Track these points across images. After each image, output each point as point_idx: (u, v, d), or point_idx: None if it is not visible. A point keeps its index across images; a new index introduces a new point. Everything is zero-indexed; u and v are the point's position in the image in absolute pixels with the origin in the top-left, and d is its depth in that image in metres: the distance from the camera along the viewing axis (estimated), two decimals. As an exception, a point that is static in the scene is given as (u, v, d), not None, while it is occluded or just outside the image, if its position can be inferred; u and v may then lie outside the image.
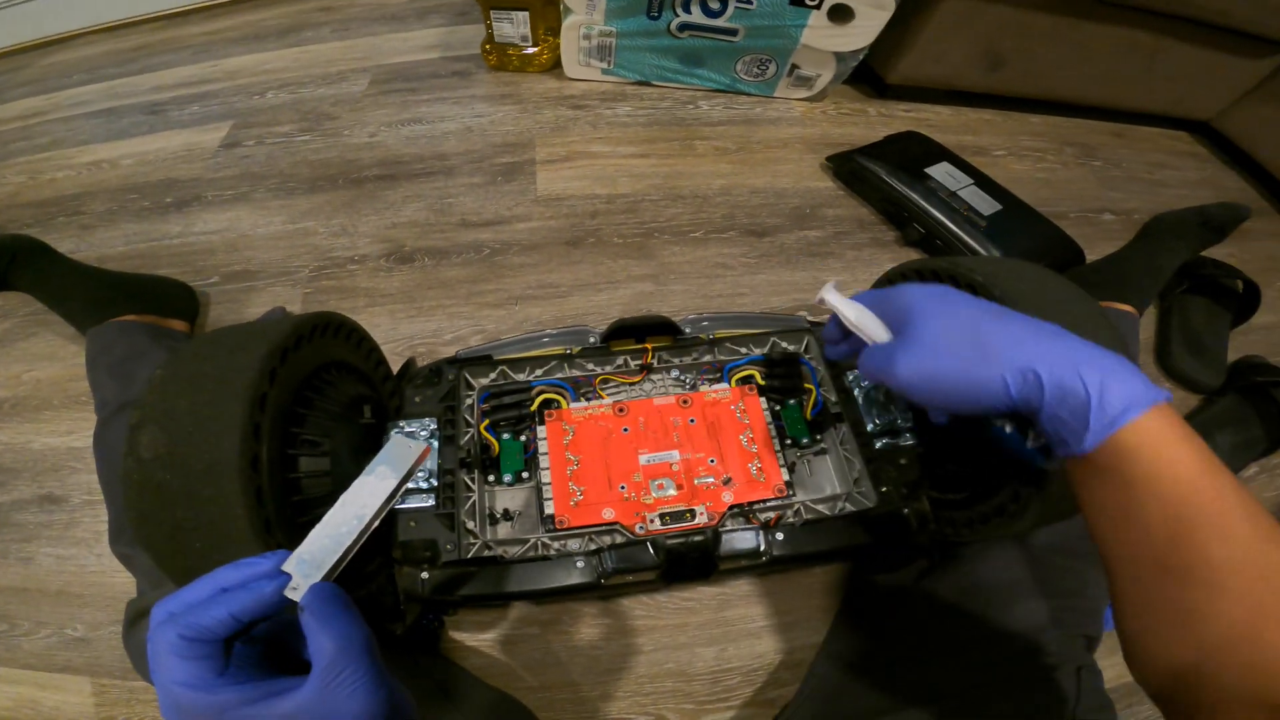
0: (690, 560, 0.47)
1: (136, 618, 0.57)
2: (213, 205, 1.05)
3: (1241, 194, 1.21)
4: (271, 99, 1.24)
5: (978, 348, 0.34)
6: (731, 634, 0.68)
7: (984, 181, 1.01)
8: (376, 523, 0.33)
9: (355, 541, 0.32)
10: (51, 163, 1.16)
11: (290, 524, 0.44)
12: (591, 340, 0.61)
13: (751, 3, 1.02)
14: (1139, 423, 0.30)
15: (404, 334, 0.87)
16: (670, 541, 0.47)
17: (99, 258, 0.83)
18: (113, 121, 1.23)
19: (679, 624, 0.68)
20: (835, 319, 0.44)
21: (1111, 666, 0.67)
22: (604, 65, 1.19)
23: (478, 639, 0.66)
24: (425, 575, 0.49)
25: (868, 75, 1.24)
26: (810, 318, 0.66)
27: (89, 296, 0.79)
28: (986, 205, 0.97)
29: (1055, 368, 0.32)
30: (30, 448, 0.80)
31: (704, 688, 0.65)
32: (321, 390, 0.51)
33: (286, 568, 0.30)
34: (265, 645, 0.31)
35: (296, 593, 0.29)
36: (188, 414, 0.41)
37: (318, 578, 0.30)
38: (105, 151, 1.16)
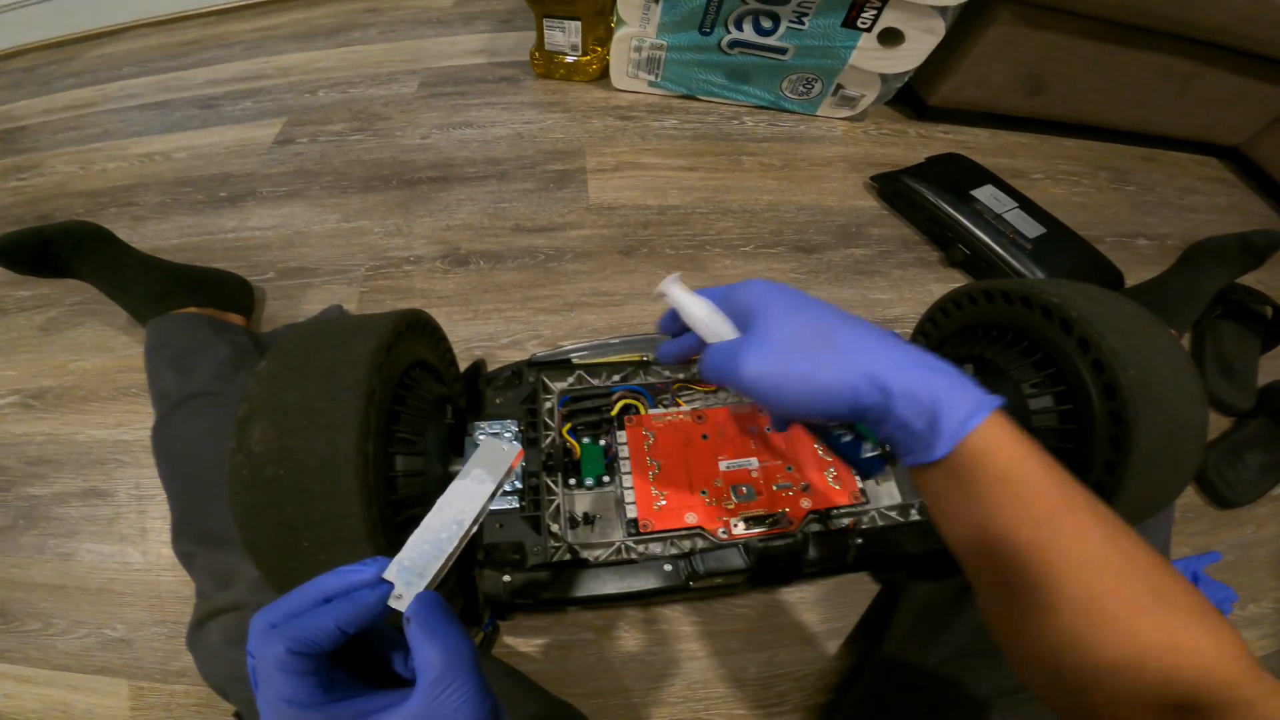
0: (780, 562, 0.48)
1: (205, 619, 0.55)
2: (267, 201, 1.06)
3: (1267, 220, 1.24)
4: (323, 97, 1.26)
5: (828, 350, 0.34)
6: (782, 640, 0.68)
7: (1028, 205, 1.03)
8: (475, 528, 0.33)
9: (456, 548, 0.31)
10: (103, 153, 1.17)
11: (389, 525, 0.43)
12: (667, 348, 0.62)
13: (803, 23, 1.04)
14: (982, 428, 0.31)
15: (460, 336, 0.88)
16: (760, 545, 0.48)
17: (152, 249, 0.83)
18: (166, 114, 1.25)
19: (730, 630, 0.68)
20: (670, 315, 0.43)
21: None
22: (651, 78, 1.21)
23: (531, 644, 0.67)
24: (507, 578, 0.50)
25: (908, 96, 1.27)
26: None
27: (151, 287, 0.79)
28: (1031, 228, 0.98)
29: (904, 375, 0.32)
30: (75, 439, 0.80)
31: (755, 693, 0.66)
32: (410, 389, 0.52)
33: (388, 576, 0.29)
34: (348, 652, 0.30)
35: (400, 602, 0.28)
36: (299, 408, 0.41)
37: (421, 586, 0.29)
38: (159, 144, 1.18)
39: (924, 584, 0.65)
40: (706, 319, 0.39)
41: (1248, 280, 0.98)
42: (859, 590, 0.71)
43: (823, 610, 0.70)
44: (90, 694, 0.65)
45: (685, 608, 0.69)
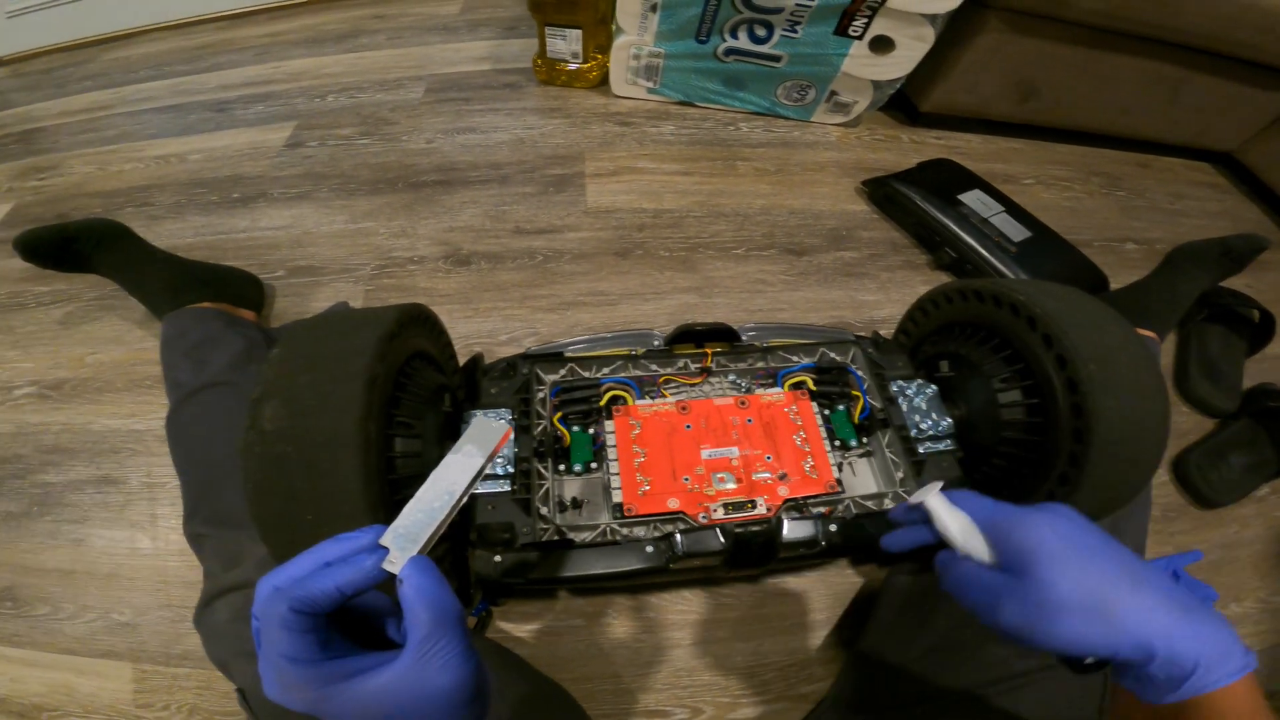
0: (755, 546, 0.51)
1: (213, 597, 0.57)
2: (278, 202, 1.09)
3: (1259, 225, 1.25)
4: (332, 102, 1.30)
5: (1103, 617, 0.32)
6: (768, 630, 0.70)
7: (1014, 209, 1.05)
8: (465, 499, 0.34)
9: (447, 516, 0.33)
10: (119, 155, 1.21)
11: (387, 502, 0.46)
12: (655, 343, 0.65)
13: (797, 31, 1.07)
14: (1227, 689, 0.31)
15: (461, 333, 0.91)
16: (737, 529, 0.51)
17: (168, 248, 0.86)
18: (180, 117, 1.29)
19: (717, 619, 0.70)
20: (906, 507, 0.42)
21: None
22: (650, 84, 1.25)
23: (523, 629, 0.69)
24: (498, 558, 0.52)
25: (901, 103, 1.29)
26: (857, 332, 0.70)
27: (168, 283, 0.81)
28: (1017, 232, 1.01)
29: (1176, 645, 0.31)
30: (90, 429, 0.82)
31: (740, 681, 0.68)
32: (411, 377, 0.55)
33: (384, 541, 0.31)
34: (346, 621, 0.32)
35: (394, 566, 0.30)
36: (309, 390, 0.44)
37: (414, 551, 0.31)
38: (174, 146, 1.21)
39: (905, 577, 0.67)
40: (960, 534, 0.38)
41: (1236, 284, 1.00)
42: (843, 582, 0.73)
43: (808, 601, 0.72)
44: (94, 677, 0.67)
45: (673, 596, 0.71)
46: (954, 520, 0.38)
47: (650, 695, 0.67)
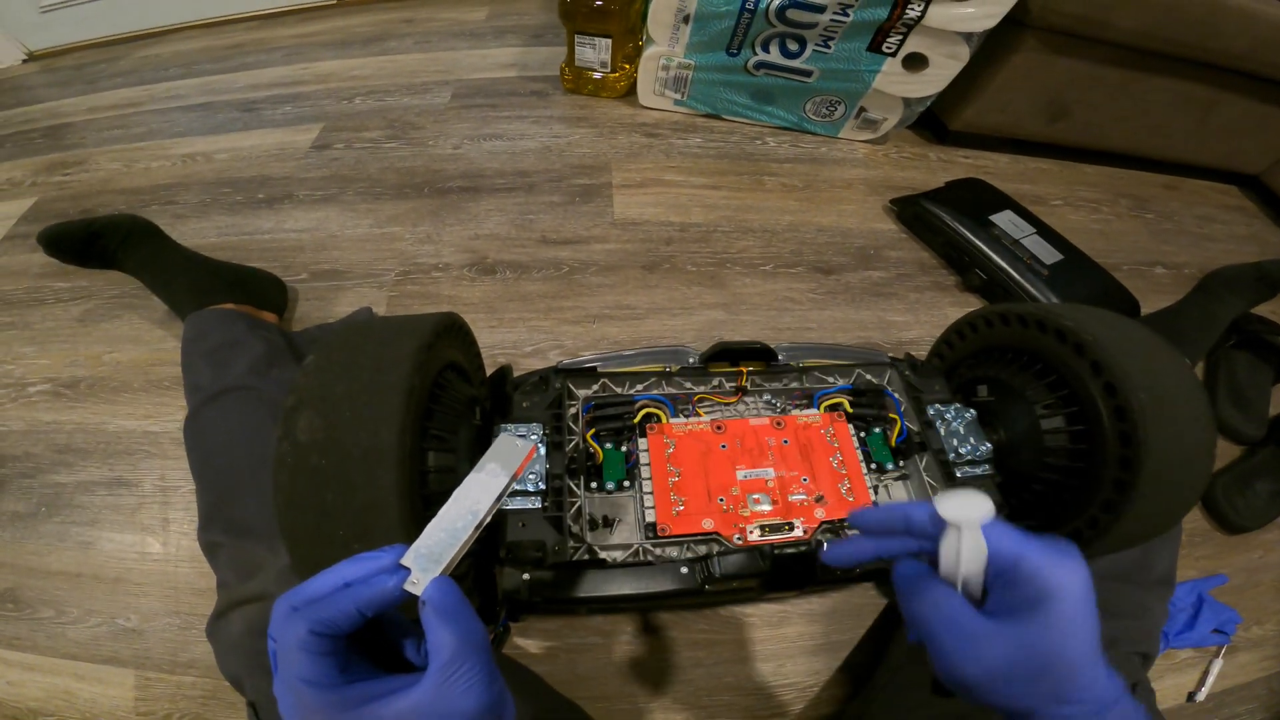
0: (794, 569, 0.49)
1: (228, 608, 0.56)
2: (303, 204, 1.09)
3: (1285, 249, 1.24)
4: (360, 105, 1.30)
5: (1053, 683, 0.29)
6: (789, 650, 0.69)
7: (1046, 231, 1.04)
8: (489, 519, 0.34)
9: (470, 537, 0.32)
10: (146, 152, 1.21)
11: (419, 518, 0.44)
12: (690, 360, 0.64)
13: (830, 47, 1.06)
14: None
15: (485, 343, 0.87)
16: (776, 551, 0.50)
17: (191, 247, 0.86)
18: (208, 116, 1.29)
19: (740, 639, 0.69)
20: (875, 516, 0.36)
21: (1163, 689, 0.71)
22: (677, 96, 1.24)
23: (540, 646, 0.68)
24: (526, 576, 0.51)
25: (929, 121, 1.29)
26: (891, 354, 0.69)
27: (192, 282, 0.81)
28: (1048, 254, 1.00)
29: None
30: (105, 429, 0.81)
31: (759, 702, 0.66)
32: (444, 389, 0.54)
33: (405, 562, 0.30)
34: (364, 642, 0.31)
35: (416, 587, 0.29)
36: (345, 400, 0.43)
37: (436, 572, 0.30)
38: (201, 145, 1.22)
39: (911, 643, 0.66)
40: (968, 568, 0.31)
41: (1262, 310, 0.99)
42: (865, 604, 0.72)
43: (829, 623, 0.71)
44: (95, 683, 0.65)
45: (693, 615, 0.70)
46: (973, 551, 0.31)
47: (668, 715, 0.66)
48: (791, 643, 0.70)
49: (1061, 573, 0.30)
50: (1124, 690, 0.30)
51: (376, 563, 0.30)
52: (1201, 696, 0.72)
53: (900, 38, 1.02)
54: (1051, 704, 0.29)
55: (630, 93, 1.29)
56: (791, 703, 0.67)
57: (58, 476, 0.78)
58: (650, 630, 0.69)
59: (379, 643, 0.32)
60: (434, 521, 0.32)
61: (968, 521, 0.31)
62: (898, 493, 0.61)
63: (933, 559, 0.33)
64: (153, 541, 0.73)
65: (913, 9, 0.97)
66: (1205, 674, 0.73)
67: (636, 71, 1.23)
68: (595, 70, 1.27)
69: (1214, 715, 0.71)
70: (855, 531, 0.39)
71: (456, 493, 0.34)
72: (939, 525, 0.32)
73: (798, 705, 0.67)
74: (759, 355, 0.63)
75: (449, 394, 0.54)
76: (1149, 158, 1.30)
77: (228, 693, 0.53)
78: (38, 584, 0.71)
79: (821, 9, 1.00)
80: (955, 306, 1.00)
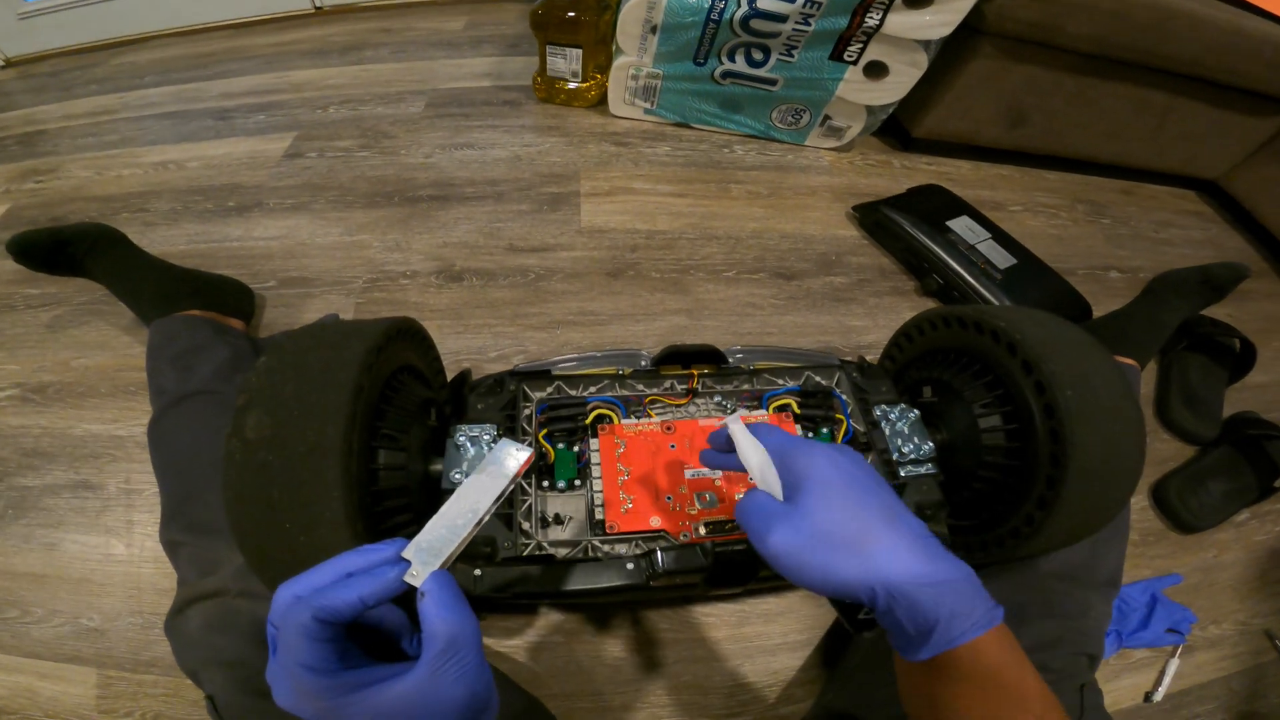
0: (735, 565, 0.51)
1: (185, 605, 0.56)
2: (274, 212, 1.10)
3: (1242, 254, 1.27)
4: (334, 114, 1.31)
5: (855, 551, 0.33)
6: (749, 650, 0.70)
7: (1001, 236, 1.07)
8: (487, 518, 0.36)
9: (469, 534, 0.34)
10: (119, 160, 1.21)
11: (368, 513, 0.46)
12: (643, 363, 0.66)
13: (793, 56, 1.09)
14: (975, 643, 0.32)
15: (450, 349, 0.91)
16: (719, 548, 0.51)
17: (161, 254, 0.86)
18: (182, 124, 1.30)
19: (699, 638, 0.71)
20: (724, 435, 0.43)
21: (1119, 689, 0.72)
22: (647, 105, 1.26)
23: (504, 645, 0.69)
24: (478, 572, 0.52)
25: (894, 128, 1.32)
26: (844, 357, 0.71)
27: (158, 289, 0.81)
28: (1002, 259, 1.02)
29: (918, 591, 0.32)
30: (71, 433, 0.82)
31: (720, 701, 0.67)
32: (397, 390, 0.55)
33: (406, 554, 0.32)
34: (361, 635, 0.32)
35: (415, 579, 0.30)
36: (294, 400, 0.44)
37: (435, 566, 0.31)
38: (174, 153, 1.22)
39: (872, 633, 0.67)
40: (758, 467, 0.39)
41: (1218, 312, 1.01)
42: (824, 604, 0.73)
43: (789, 622, 0.72)
44: (58, 681, 0.66)
45: (655, 614, 0.71)
46: (754, 451, 0.40)
47: (631, 714, 0.66)
48: (751, 642, 0.71)
49: (809, 460, 0.37)
50: (969, 573, 0.34)
51: (379, 554, 0.31)
52: (1159, 697, 0.72)
53: (861, 46, 1.05)
54: (872, 575, 0.33)
55: (602, 102, 1.31)
56: (750, 702, 0.68)
57: (25, 480, 0.78)
58: (614, 630, 0.70)
59: (377, 637, 0.33)
60: (435, 518, 0.34)
61: (732, 420, 0.42)
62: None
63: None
64: (116, 543, 0.74)
65: (871, 17, 1.00)
66: (1162, 674, 0.74)
67: (607, 81, 1.25)
68: (567, 80, 1.29)
69: (1173, 716, 0.72)
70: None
71: (458, 492, 0.36)
72: (724, 435, 0.42)
73: (755, 706, 0.68)
74: (709, 358, 0.65)
75: (402, 395, 0.56)
76: (1108, 163, 1.33)
77: (189, 690, 0.53)
78: (3, 584, 0.71)
79: (784, 19, 1.03)
80: (913, 310, 1.00)
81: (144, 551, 0.73)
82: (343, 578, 0.30)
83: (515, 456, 0.39)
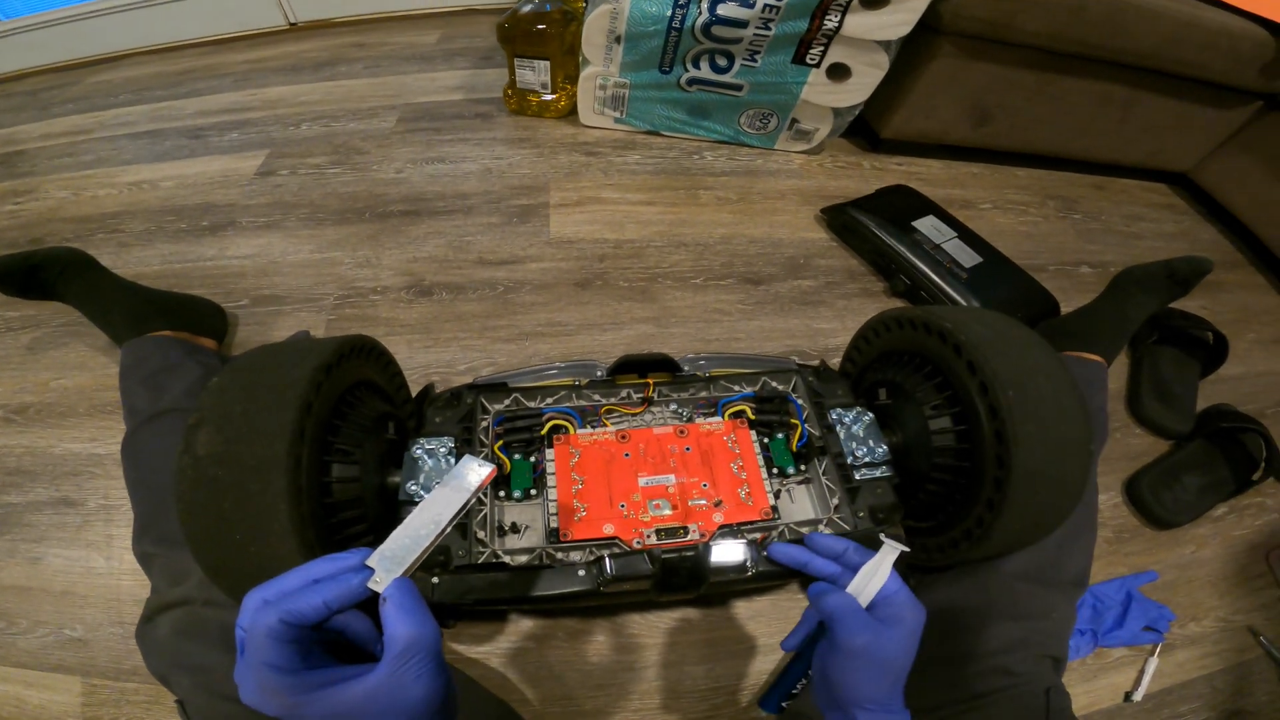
0: (683, 571, 0.52)
1: (154, 613, 0.58)
2: (246, 231, 1.11)
3: (1215, 245, 1.27)
4: (306, 130, 1.32)
5: (891, 684, 0.42)
6: (720, 654, 0.71)
7: (967, 235, 1.08)
8: (449, 529, 0.37)
9: (431, 544, 0.36)
10: (94, 180, 1.22)
11: (320, 523, 0.48)
12: (598, 374, 0.67)
13: (756, 61, 1.10)
14: None
15: (420, 363, 0.92)
16: (665, 555, 0.52)
17: (135, 275, 0.87)
18: (156, 143, 1.30)
19: (671, 643, 0.71)
20: (830, 546, 0.50)
21: (1098, 689, 0.71)
22: (617, 114, 1.28)
23: (476, 651, 0.69)
24: (435, 580, 0.53)
25: (863, 129, 1.33)
26: (799, 361, 0.72)
27: (129, 311, 0.82)
28: (968, 258, 1.03)
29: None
30: (52, 452, 0.83)
31: (692, 704, 0.68)
32: (353, 405, 0.56)
33: (370, 562, 0.33)
34: (330, 646, 0.34)
35: (379, 585, 0.32)
36: (242, 418, 0.46)
37: (398, 573, 0.33)
38: (147, 173, 1.23)
39: None
40: (870, 585, 0.44)
41: (1191, 305, 1.01)
42: (795, 606, 0.73)
43: (764, 624, 0.72)
44: (44, 690, 0.67)
45: (625, 620, 0.72)
46: (885, 576, 0.45)
47: (604, 718, 0.67)
48: (722, 646, 0.71)
49: (913, 609, 0.43)
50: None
51: (344, 562, 0.33)
52: (1139, 696, 0.71)
53: (822, 49, 1.06)
54: (881, 700, 0.41)
55: (573, 113, 1.32)
56: (723, 706, 0.68)
57: (8, 497, 0.80)
58: (585, 635, 0.71)
59: (344, 645, 0.35)
60: (399, 528, 0.36)
61: (893, 550, 0.46)
62: (800, 496, 0.64)
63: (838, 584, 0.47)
64: (97, 557, 0.75)
65: (830, 19, 1.01)
66: (1141, 673, 0.72)
67: (577, 91, 1.26)
68: (537, 92, 1.30)
69: (1154, 715, 0.71)
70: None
71: (421, 504, 0.38)
72: (863, 558, 0.47)
73: (728, 709, 0.68)
74: (663, 366, 0.66)
75: (358, 410, 0.57)
76: (1077, 159, 1.34)
77: (169, 696, 0.55)
78: (-10, 598, 0.73)
79: (744, 24, 1.04)
80: (881, 312, 1.03)
81: (123, 564, 0.74)
82: (310, 584, 0.32)
83: (477, 472, 0.40)
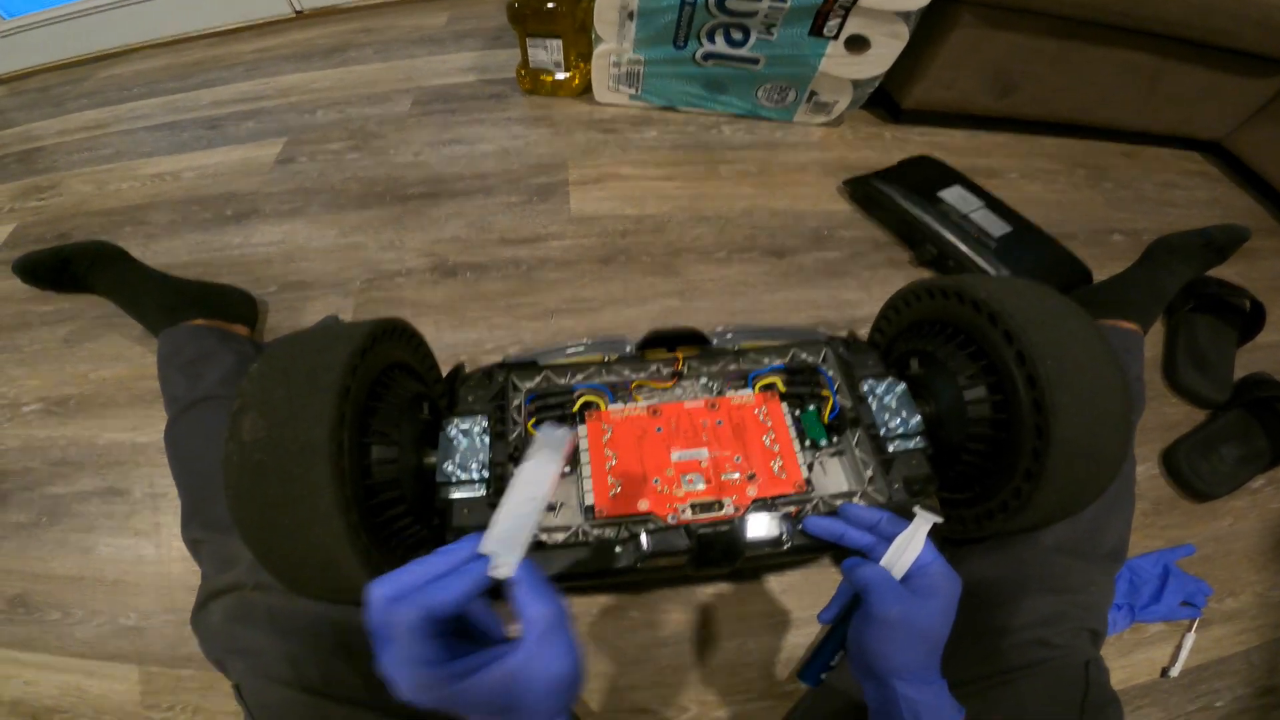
0: (719, 545, 0.52)
1: (207, 600, 0.59)
2: (270, 218, 1.11)
3: (1250, 213, 1.24)
4: (321, 117, 1.32)
5: (929, 652, 0.43)
6: (752, 628, 0.71)
7: (994, 204, 1.06)
8: (547, 502, 0.37)
9: (538, 520, 0.36)
10: (116, 174, 1.23)
11: (361, 505, 0.48)
12: (628, 349, 0.67)
13: (772, 34, 1.08)
14: None
15: (448, 342, 0.92)
16: (701, 530, 0.52)
17: (164, 265, 0.88)
18: (174, 135, 1.31)
19: (702, 618, 0.71)
20: (875, 519, 0.49)
21: (1135, 664, 0.71)
22: (632, 91, 1.26)
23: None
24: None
25: (883, 100, 1.30)
26: (838, 332, 0.71)
27: (162, 301, 0.84)
28: (997, 227, 1.01)
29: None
30: (95, 442, 0.85)
31: (724, 679, 0.68)
32: (388, 387, 0.57)
33: (484, 550, 0.34)
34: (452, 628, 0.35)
35: (506, 570, 0.33)
36: (284, 403, 0.47)
37: (518, 555, 0.34)
38: (168, 164, 1.24)
39: None
40: (904, 557, 0.45)
41: (1227, 272, 0.98)
42: (826, 580, 0.73)
43: (792, 599, 0.72)
44: (104, 679, 0.69)
45: (658, 595, 0.72)
46: (921, 547, 0.45)
47: (636, 693, 0.68)
48: (754, 621, 0.71)
49: (949, 579, 0.44)
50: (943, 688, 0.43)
51: (461, 553, 0.34)
52: (1175, 672, 0.70)
53: (839, 20, 1.03)
54: (916, 670, 0.42)
55: (587, 90, 1.31)
56: (755, 680, 0.68)
57: (55, 488, 0.82)
58: (618, 611, 0.71)
59: (462, 631, 0.36)
60: (499, 512, 0.36)
61: (926, 521, 0.46)
62: (833, 469, 0.63)
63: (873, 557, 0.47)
64: (146, 544, 0.77)
65: (848, -9, 0.98)
66: (1178, 648, 0.71)
67: (591, 69, 1.24)
68: (550, 71, 1.29)
69: (1190, 691, 0.70)
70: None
71: (513, 482, 0.38)
72: (898, 528, 0.47)
73: (761, 683, 0.68)
74: (692, 340, 0.66)
75: (393, 392, 0.57)
76: (1104, 127, 1.30)
77: (223, 681, 0.56)
78: (44, 589, 0.75)
79: (759, -3, 1.02)
80: (908, 281, 1.01)
81: (172, 552, 0.76)
82: (433, 578, 0.33)
83: (557, 440, 0.40)
